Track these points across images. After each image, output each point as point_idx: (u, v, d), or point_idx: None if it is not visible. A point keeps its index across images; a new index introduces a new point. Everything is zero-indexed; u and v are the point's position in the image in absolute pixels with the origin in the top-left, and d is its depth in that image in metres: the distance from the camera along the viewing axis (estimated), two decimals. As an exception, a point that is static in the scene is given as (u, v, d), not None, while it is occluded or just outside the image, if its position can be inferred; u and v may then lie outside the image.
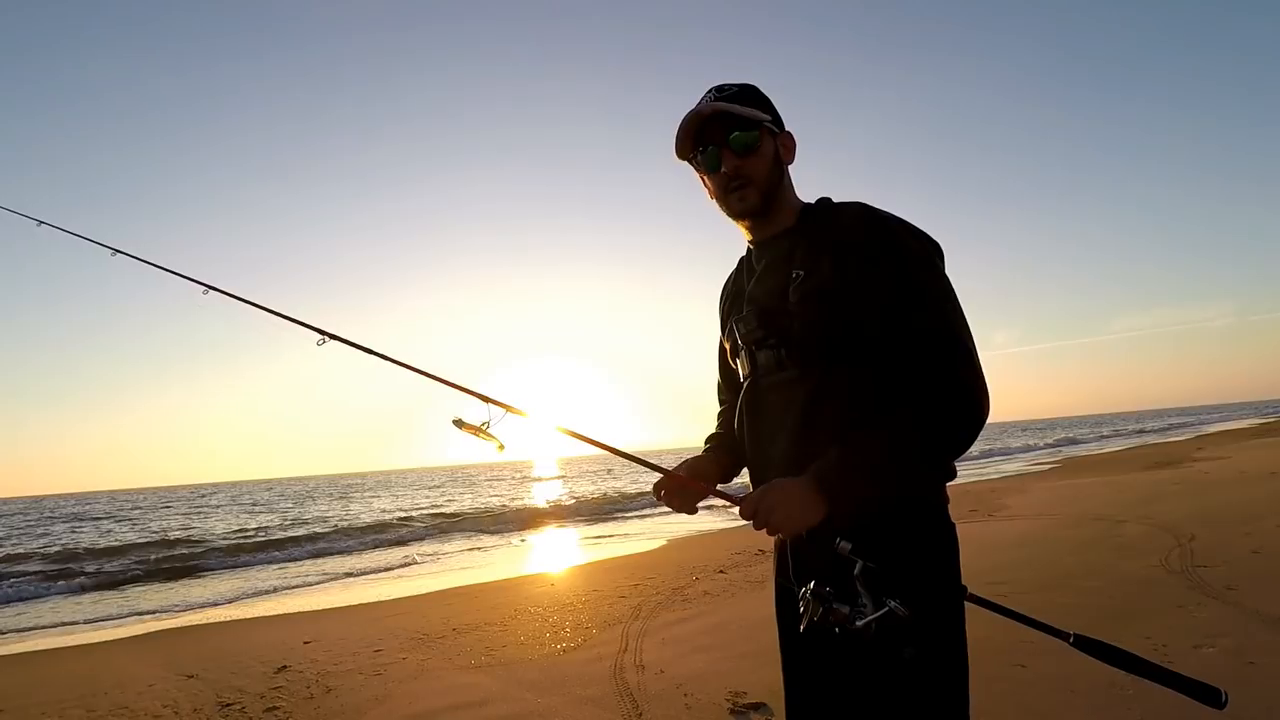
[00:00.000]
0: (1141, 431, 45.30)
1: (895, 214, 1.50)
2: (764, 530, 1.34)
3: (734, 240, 1.70)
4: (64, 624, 8.46)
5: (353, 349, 1.90)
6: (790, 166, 1.61)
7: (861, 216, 1.49)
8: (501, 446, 1.67)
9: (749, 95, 1.56)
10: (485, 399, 1.68)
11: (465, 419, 1.65)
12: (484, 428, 1.66)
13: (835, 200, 1.57)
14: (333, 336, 1.90)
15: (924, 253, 1.45)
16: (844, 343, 1.43)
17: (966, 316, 1.44)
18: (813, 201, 1.60)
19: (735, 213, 1.58)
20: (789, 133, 1.60)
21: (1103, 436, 42.65)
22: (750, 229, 1.62)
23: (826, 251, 1.47)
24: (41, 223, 2.70)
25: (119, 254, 2.47)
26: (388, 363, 1.86)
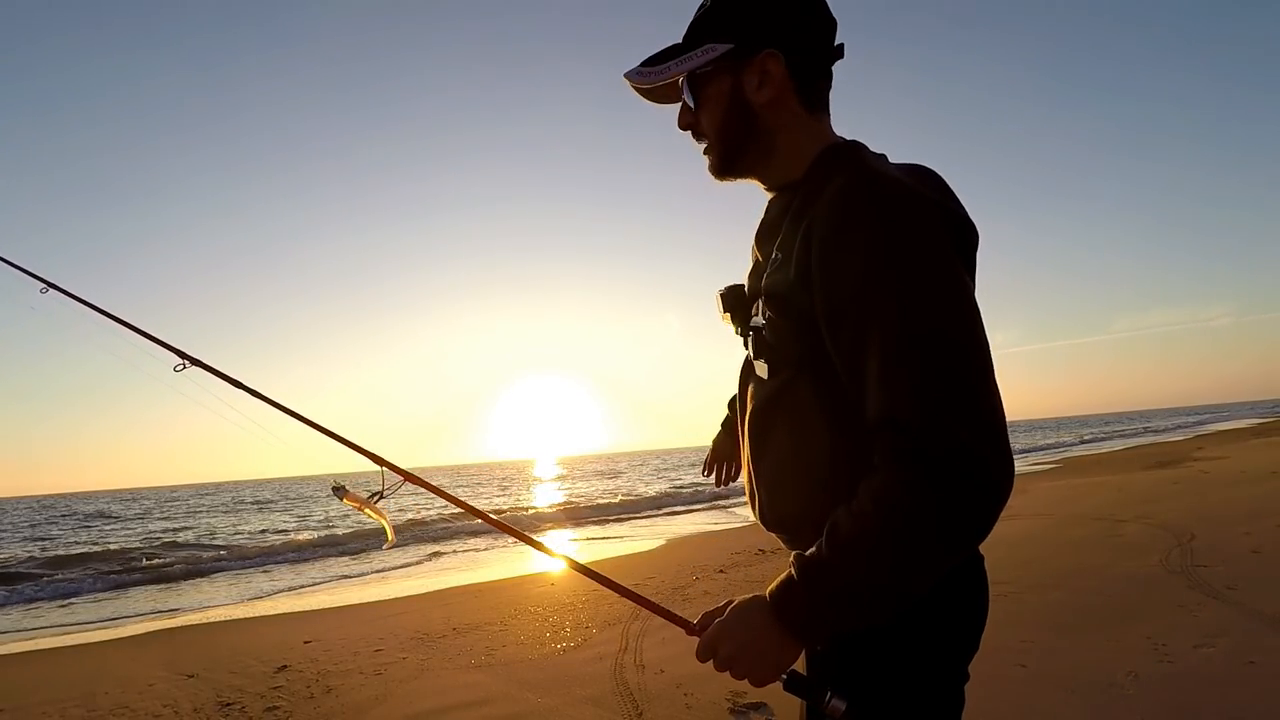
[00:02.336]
0: (1151, 430, 45.35)
1: (907, 184, 1.04)
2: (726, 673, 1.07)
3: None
4: (64, 624, 8.46)
5: (216, 377, 1.71)
6: (798, 94, 1.16)
7: (839, 189, 1.04)
8: (392, 540, 1.34)
9: (718, 8, 1.16)
10: (379, 461, 1.32)
11: (350, 490, 1.29)
12: (373, 501, 1.28)
13: (864, 152, 1.17)
14: (194, 361, 1.71)
15: (915, 246, 0.99)
16: (803, 356, 1.09)
17: (978, 338, 0.99)
18: (843, 142, 1.20)
19: (712, 176, 1.24)
20: (771, 52, 1.13)
21: (1104, 437, 42.66)
22: (759, 181, 1.25)
23: (799, 234, 1.09)
24: None
25: None
26: (257, 399, 1.64)
